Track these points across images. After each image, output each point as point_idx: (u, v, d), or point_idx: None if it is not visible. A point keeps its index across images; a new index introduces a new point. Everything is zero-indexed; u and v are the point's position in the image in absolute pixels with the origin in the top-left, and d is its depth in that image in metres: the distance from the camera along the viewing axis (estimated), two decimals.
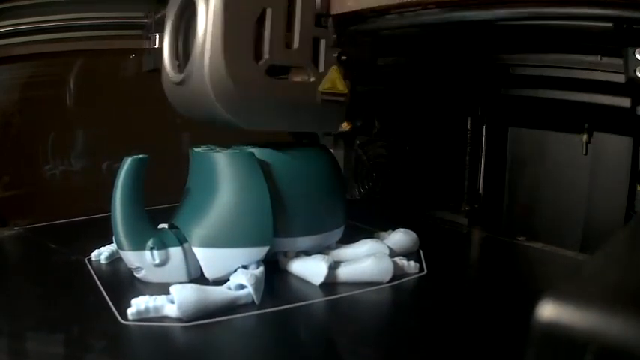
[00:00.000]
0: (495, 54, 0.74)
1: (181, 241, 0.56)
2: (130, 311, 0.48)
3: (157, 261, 0.55)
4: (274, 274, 0.59)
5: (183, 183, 0.63)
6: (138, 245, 0.55)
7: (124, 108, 0.91)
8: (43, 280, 0.59)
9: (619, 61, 0.56)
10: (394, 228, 0.69)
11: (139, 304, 0.48)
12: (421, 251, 0.67)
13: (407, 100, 0.91)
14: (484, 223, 0.79)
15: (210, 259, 0.56)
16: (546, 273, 0.65)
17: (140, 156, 0.56)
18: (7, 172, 0.85)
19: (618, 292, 0.20)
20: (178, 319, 0.48)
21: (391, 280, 0.58)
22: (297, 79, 0.61)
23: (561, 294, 0.20)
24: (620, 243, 0.29)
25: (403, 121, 0.94)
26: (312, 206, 0.62)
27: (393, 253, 0.62)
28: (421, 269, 0.61)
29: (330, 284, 0.57)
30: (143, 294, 0.50)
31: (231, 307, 0.51)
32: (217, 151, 0.59)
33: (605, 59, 0.62)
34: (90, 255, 0.64)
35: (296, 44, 0.59)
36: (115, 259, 0.63)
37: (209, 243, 0.56)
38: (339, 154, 1.03)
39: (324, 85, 0.61)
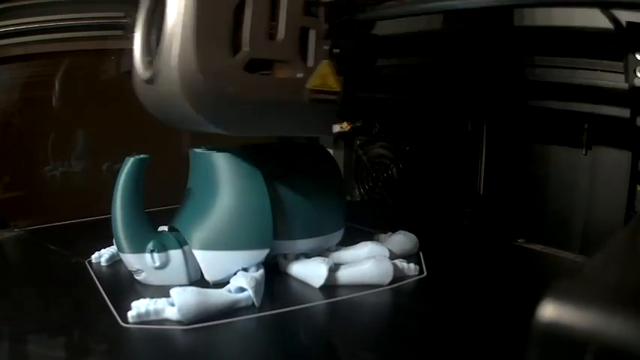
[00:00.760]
0: (496, 56, 0.74)
1: (181, 243, 0.56)
2: (131, 314, 0.48)
3: (158, 263, 0.55)
4: (274, 276, 0.59)
5: (183, 184, 0.63)
6: (138, 248, 0.55)
7: (124, 108, 0.91)
8: (44, 283, 0.59)
9: (619, 64, 0.56)
10: (394, 230, 0.69)
11: (139, 307, 0.48)
12: (421, 253, 0.67)
13: (407, 101, 0.91)
14: (484, 225, 0.79)
15: (210, 261, 0.56)
16: (546, 275, 0.65)
17: (141, 156, 0.56)
18: (7, 173, 0.85)
19: (618, 292, 0.20)
20: (179, 322, 0.48)
21: (391, 283, 0.58)
22: (282, 75, 0.53)
23: (562, 294, 0.20)
24: (620, 243, 0.29)
25: (403, 122, 0.94)
26: (312, 209, 0.62)
27: (392, 256, 0.62)
28: (421, 271, 0.61)
29: (330, 287, 0.57)
30: (143, 296, 0.50)
31: (231, 309, 0.51)
32: (216, 152, 0.59)
33: (605, 62, 0.62)
34: (90, 257, 0.64)
35: (281, 35, 0.52)
36: (115, 262, 0.63)
37: (209, 246, 0.56)
38: (339, 154, 1.03)
39: (314, 82, 0.54)
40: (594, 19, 0.61)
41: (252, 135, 0.56)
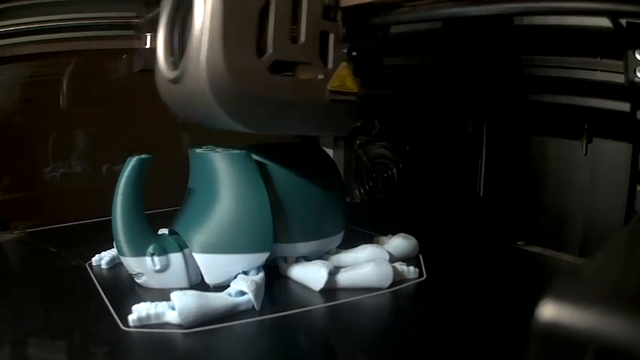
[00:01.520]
0: (496, 57, 0.74)
1: (182, 246, 0.56)
2: (131, 318, 0.48)
3: (158, 267, 0.55)
4: (274, 279, 0.59)
5: (183, 185, 0.63)
6: (138, 251, 0.55)
7: (124, 108, 0.91)
8: (44, 286, 0.59)
9: (619, 62, 0.56)
10: (394, 232, 0.69)
11: (139, 310, 0.49)
12: (421, 256, 0.67)
13: (408, 101, 0.91)
14: (484, 227, 0.80)
15: (210, 265, 0.56)
16: (545, 278, 0.65)
17: (143, 156, 0.56)
18: (8, 174, 0.85)
19: (618, 292, 0.20)
20: (179, 326, 0.48)
21: (391, 286, 0.58)
22: (304, 76, 0.55)
23: (561, 294, 0.20)
24: (620, 243, 0.29)
25: (404, 123, 0.94)
26: (312, 212, 0.62)
27: (392, 259, 0.62)
28: (420, 274, 0.62)
29: (330, 290, 0.57)
30: (144, 300, 0.50)
31: (231, 313, 0.51)
32: (216, 152, 0.59)
33: (605, 60, 0.62)
34: (91, 260, 0.64)
35: (303, 38, 0.53)
36: (115, 264, 0.63)
37: (209, 249, 0.56)
38: (339, 154, 1.03)
39: (333, 84, 0.56)
40: (594, 18, 0.61)
41: (272, 132, 0.58)
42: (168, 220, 0.62)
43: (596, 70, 0.64)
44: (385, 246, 0.65)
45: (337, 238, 0.65)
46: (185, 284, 0.56)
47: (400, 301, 0.57)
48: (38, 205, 0.86)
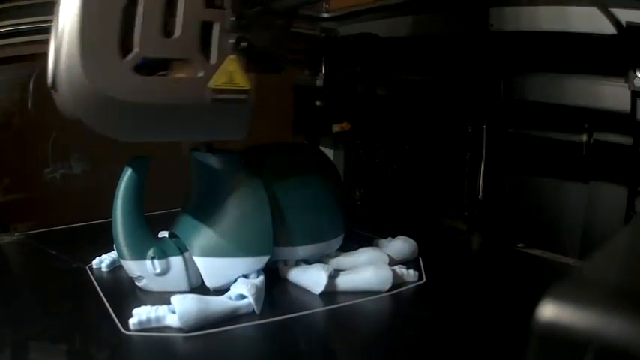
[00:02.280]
0: (496, 59, 0.75)
1: (182, 250, 0.57)
2: (132, 321, 0.48)
3: (158, 270, 0.55)
4: (274, 282, 0.59)
5: (183, 186, 0.63)
6: (139, 254, 0.55)
7: None
8: (44, 288, 0.59)
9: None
10: (394, 235, 0.69)
11: (140, 314, 0.49)
12: (420, 259, 0.67)
13: (408, 102, 0.92)
14: (483, 229, 0.80)
15: (210, 268, 0.56)
16: (545, 280, 0.65)
17: (144, 158, 0.56)
18: (7, 176, 0.84)
19: (618, 292, 0.21)
20: (179, 330, 0.48)
21: (391, 289, 0.58)
22: (180, 74, 0.49)
23: (561, 294, 0.20)
24: (620, 243, 0.30)
25: (404, 124, 0.94)
26: (312, 215, 0.62)
27: (392, 262, 0.62)
28: (420, 277, 0.62)
29: (330, 293, 0.57)
30: (144, 303, 0.50)
31: (231, 317, 0.51)
32: (216, 155, 0.58)
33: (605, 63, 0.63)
34: (91, 262, 0.63)
35: (178, 31, 0.47)
36: (116, 267, 0.63)
37: (210, 252, 0.56)
38: (339, 154, 1.03)
39: (218, 80, 0.49)
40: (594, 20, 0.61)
41: (151, 140, 0.52)
42: (168, 222, 0.62)
43: (597, 73, 0.64)
44: (385, 249, 0.65)
45: (337, 241, 0.65)
46: (185, 287, 0.56)
47: (400, 304, 0.57)
48: (38, 207, 0.86)
